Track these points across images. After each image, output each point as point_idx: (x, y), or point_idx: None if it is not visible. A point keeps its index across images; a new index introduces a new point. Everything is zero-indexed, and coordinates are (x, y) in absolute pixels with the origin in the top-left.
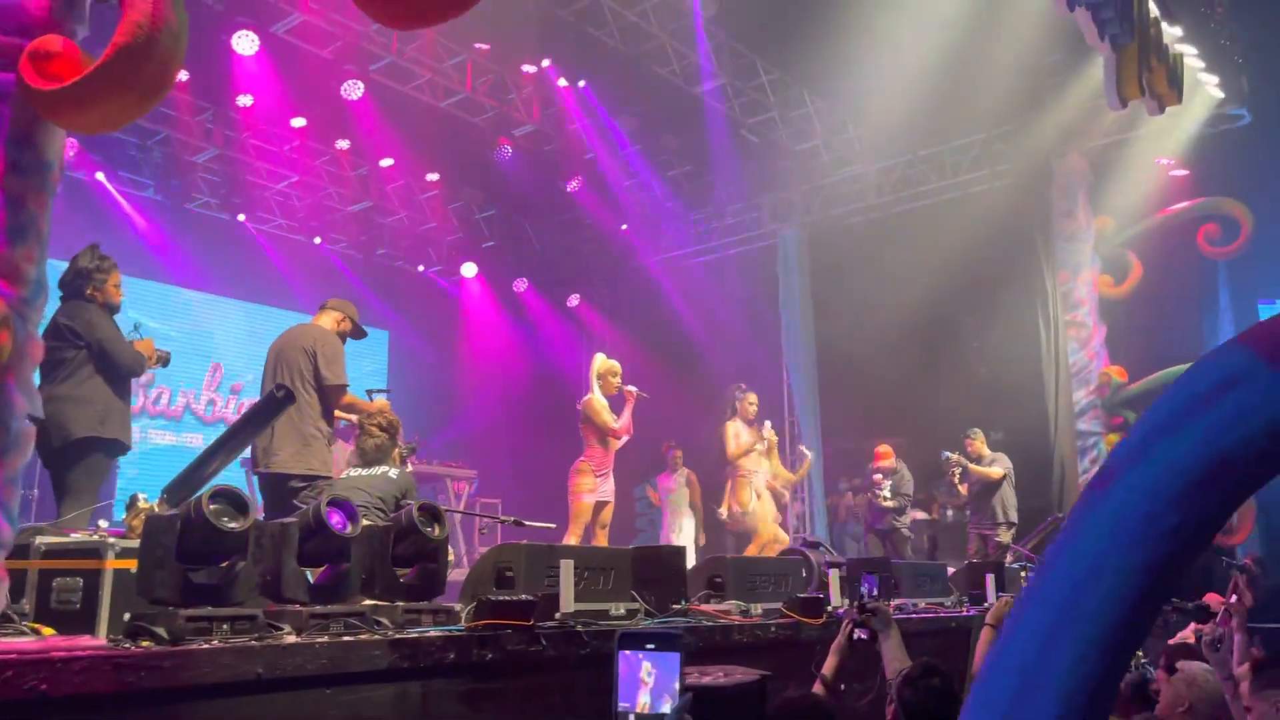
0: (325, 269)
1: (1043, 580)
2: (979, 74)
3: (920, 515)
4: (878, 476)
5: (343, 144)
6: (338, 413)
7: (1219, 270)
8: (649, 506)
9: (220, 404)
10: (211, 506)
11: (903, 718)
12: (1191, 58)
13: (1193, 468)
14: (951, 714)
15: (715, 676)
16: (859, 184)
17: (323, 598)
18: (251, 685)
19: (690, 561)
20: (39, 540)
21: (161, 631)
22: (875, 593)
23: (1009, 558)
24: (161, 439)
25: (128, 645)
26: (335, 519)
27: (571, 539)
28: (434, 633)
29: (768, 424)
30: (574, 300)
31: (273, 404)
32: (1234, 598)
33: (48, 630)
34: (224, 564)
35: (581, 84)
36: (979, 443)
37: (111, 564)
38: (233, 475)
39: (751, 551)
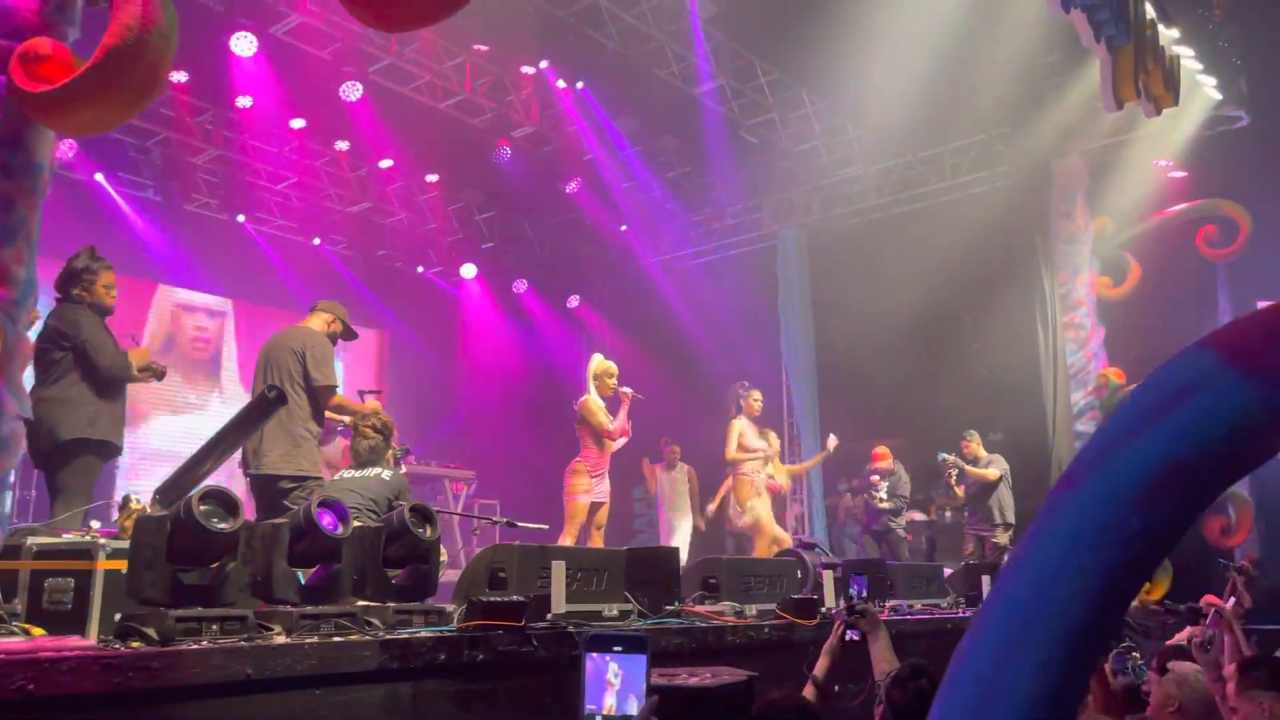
0: (324, 270)
1: (1003, 588)
2: (978, 75)
3: (918, 516)
4: (875, 478)
5: (342, 145)
6: (332, 414)
7: (1218, 272)
8: (648, 507)
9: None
10: (201, 507)
11: (891, 718)
12: (1189, 59)
13: (1155, 472)
14: None
15: (703, 678)
16: (858, 185)
17: (314, 599)
18: (241, 686)
19: (684, 556)
20: (31, 541)
21: (151, 632)
22: (864, 594)
23: (1006, 559)
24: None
25: (117, 646)
26: (326, 520)
27: (566, 540)
28: (425, 633)
29: (772, 434)
30: (574, 301)
31: (264, 405)
32: (1231, 599)
33: (38, 631)
34: (214, 565)
35: (580, 85)
36: (975, 444)
37: (103, 565)
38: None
39: (760, 552)
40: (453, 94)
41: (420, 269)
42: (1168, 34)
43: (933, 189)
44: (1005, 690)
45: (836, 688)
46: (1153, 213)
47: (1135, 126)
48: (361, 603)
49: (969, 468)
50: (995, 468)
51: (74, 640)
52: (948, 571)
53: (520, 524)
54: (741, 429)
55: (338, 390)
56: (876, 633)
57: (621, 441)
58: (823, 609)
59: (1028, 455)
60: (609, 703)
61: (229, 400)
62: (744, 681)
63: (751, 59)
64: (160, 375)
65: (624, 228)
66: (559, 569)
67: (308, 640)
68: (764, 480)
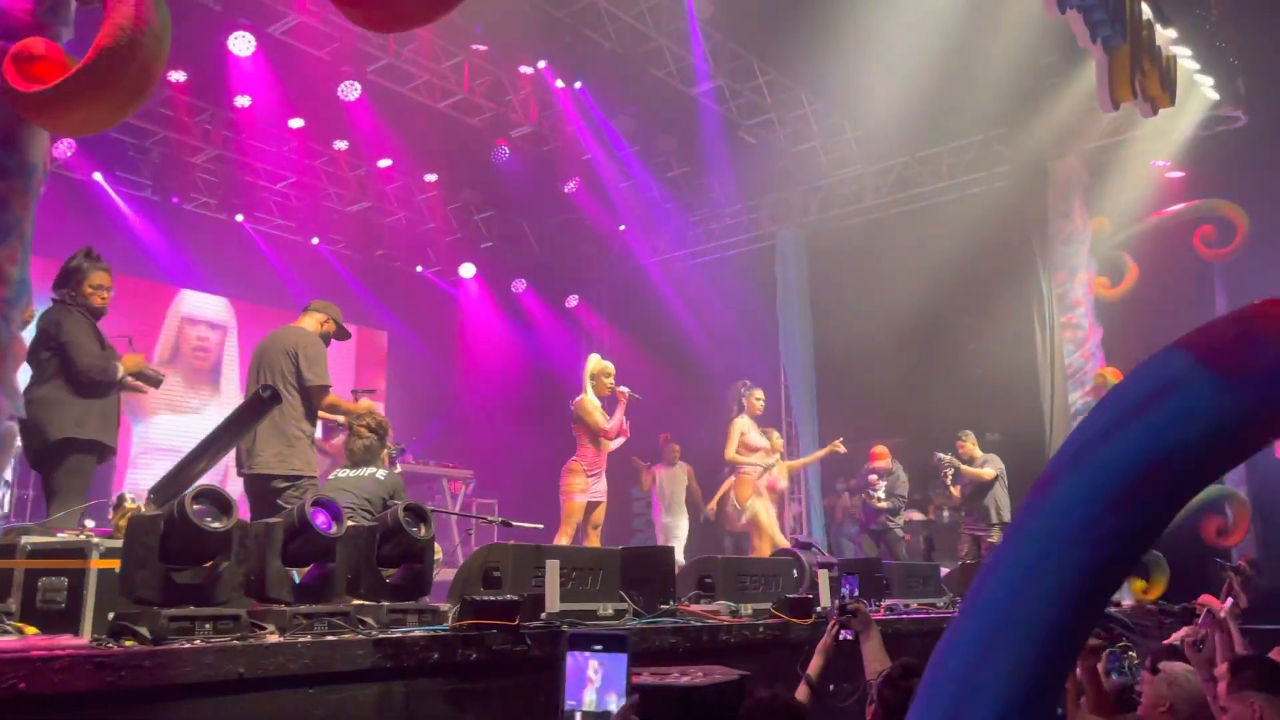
0: (323, 270)
1: (981, 587)
2: (976, 75)
3: (916, 516)
4: (872, 477)
5: (340, 145)
6: (325, 414)
7: (1215, 272)
8: (646, 507)
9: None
10: (195, 507)
11: (883, 717)
12: (1186, 59)
13: (1131, 471)
14: None
15: (694, 676)
16: (856, 185)
17: (308, 598)
18: (233, 685)
19: (681, 556)
20: (25, 540)
21: (144, 631)
22: (856, 593)
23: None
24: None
25: (110, 645)
26: (320, 519)
27: (563, 539)
28: (418, 632)
29: (774, 433)
30: (572, 301)
31: (259, 405)
32: (1228, 599)
33: (31, 629)
34: (208, 564)
35: (578, 85)
36: (970, 444)
37: (96, 564)
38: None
39: (762, 551)
40: (451, 94)
41: (419, 268)
42: (1164, 34)
43: (930, 189)
44: (983, 688)
45: (831, 687)
46: (1150, 213)
47: (1133, 127)
48: (356, 602)
49: (965, 467)
50: (991, 467)
51: (67, 639)
52: (945, 571)
53: (516, 523)
54: (743, 428)
55: (330, 390)
56: (868, 632)
57: (619, 441)
58: (818, 608)
59: (1025, 455)
60: (588, 698)
61: (226, 405)
62: (736, 681)
63: (750, 59)
64: (157, 383)
65: (622, 228)
66: (553, 568)
67: (301, 639)
68: (765, 480)
